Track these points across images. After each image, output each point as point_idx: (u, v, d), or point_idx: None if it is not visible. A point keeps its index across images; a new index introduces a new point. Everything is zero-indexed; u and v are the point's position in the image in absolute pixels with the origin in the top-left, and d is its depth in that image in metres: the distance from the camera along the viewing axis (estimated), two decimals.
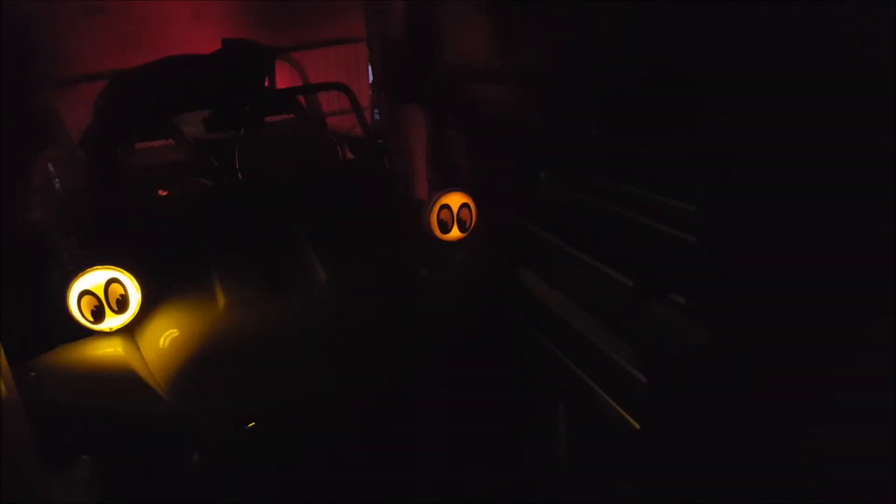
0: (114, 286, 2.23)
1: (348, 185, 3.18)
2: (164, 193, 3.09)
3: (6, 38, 3.79)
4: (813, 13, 1.35)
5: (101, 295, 2.21)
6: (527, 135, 2.42)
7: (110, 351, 2.19)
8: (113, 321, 2.24)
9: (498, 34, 2.81)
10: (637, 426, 1.69)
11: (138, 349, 2.22)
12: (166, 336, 2.25)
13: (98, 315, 2.21)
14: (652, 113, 1.71)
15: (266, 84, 3.69)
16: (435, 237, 2.69)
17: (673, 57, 1.65)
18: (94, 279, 2.21)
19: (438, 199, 2.67)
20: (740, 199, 1.50)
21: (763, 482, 1.64)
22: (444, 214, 2.68)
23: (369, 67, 4.89)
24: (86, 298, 2.19)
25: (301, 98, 3.89)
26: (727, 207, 1.49)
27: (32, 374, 2.04)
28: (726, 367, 1.58)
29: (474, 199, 2.73)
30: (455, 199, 2.69)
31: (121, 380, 2.12)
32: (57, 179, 3.58)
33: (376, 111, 4.83)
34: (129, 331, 2.27)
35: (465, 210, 2.70)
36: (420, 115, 3.90)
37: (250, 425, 2.08)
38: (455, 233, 2.71)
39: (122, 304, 2.24)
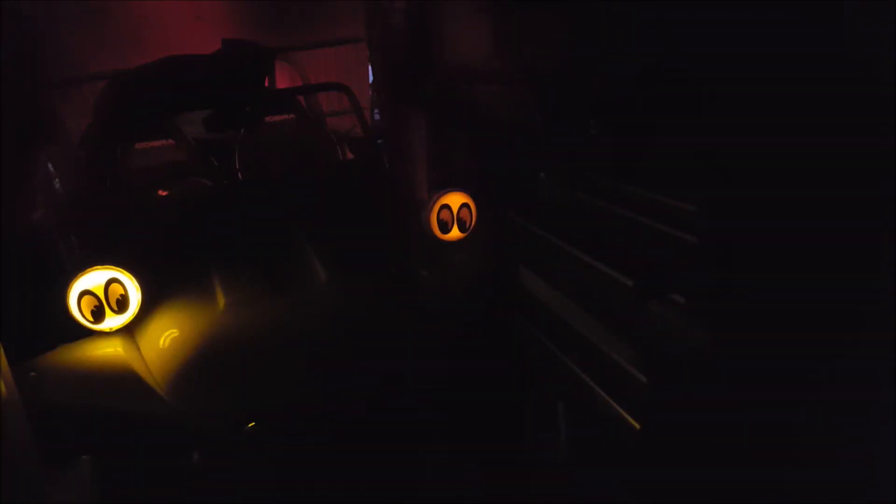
0: (114, 286, 2.23)
1: (348, 186, 3.18)
2: (164, 193, 3.09)
3: (6, 38, 3.79)
4: (811, 13, 1.35)
5: (101, 295, 2.21)
6: (527, 135, 2.41)
7: (110, 351, 2.19)
8: (113, 321, 2.24)
9: (498, 34, 2.81)
10: (637, 426, 1.68)
11: (138, 349, 2.22)
12: (166, 336, 2.25)
13: (98, 315, 2.21)
14: (652, 113, 1.71)
15: (266, 84, 3.69)
16: (435, 237, 2.69)
17: (672, 57, 1.65)
18: (94, 279, 2.21)
19: (438, 199, 2.67)
20: (740, 199, 1.50)
21: (763, 482, 1.64)
22: (444, 214, 2.68)
23: (369, 67, 4.89)
24: (86, 298, 2.19)
25: (301, 98, 3.89)
26: (727, 207, 1.49)
27: (32, 374, 2.04)
28: (726, 367, 1.58)
29: (474, 199, 2.73)
30: (455, 199, 2.69)
31: (121, 380, 2.12)
32: (57, 179, 3.58)
33: (376, 111, 4.83)
34: (129, 331, 2.27)
35: (465, 210, 2.70)
36: (420, 115, 3.90)
37: (250, 425, 2.08)
38: (455, 233, 2.70)
39: (122, 304, 2.24)
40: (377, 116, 4.80)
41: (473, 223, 2.72)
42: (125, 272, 2.26)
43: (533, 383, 2.48)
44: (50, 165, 3.65)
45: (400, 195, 3.54)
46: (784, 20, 1.39)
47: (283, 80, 4.70)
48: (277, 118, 3.92)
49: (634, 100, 1.82)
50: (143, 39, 4.75)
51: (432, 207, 2.66)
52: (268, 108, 3.62)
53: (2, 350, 1.42)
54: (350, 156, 3.55)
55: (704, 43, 1.54)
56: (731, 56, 1.48)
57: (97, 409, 2.07)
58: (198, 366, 2.15)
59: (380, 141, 3.50)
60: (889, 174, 1.31)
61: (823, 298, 1.51)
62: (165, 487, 2.07)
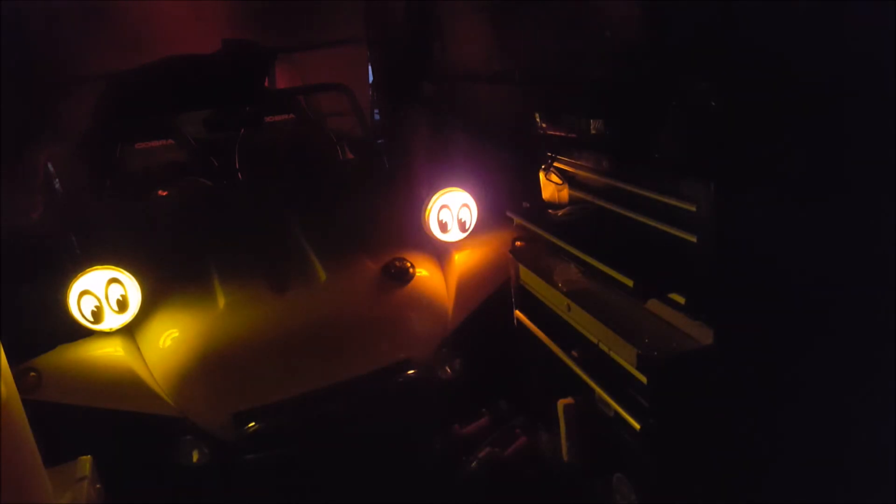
0: (114, 286, 2.23)
1: (348, 185, 3.18)
2: (164, 193, 3.09)
3: (6, 38, 3.79)
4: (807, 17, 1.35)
5: (101, 295, 2.21)
6: (527, 134, 2.42)
7: (110, 351, 2.19)
8: (113, 321, 2.24)
9: (498, 33, 2.81)
10: (637, 426, 1.69)
11: (138, 349, 2.22)
12: (166, 336, 2.25)
13: (98, 315, 2.21)
14: (653, 113, 1.71)
15: (266, 84, 3.69)
16: (435, 237, 2.69)
17: (672, 56, 1.65)
18: (94, 279, 2.21)
19: (438, 198, 2.67)
20: (740, 199, 1.50)
21: (762, 482, 1.64)
22: (444, 214, 2.68)
23: (369, 67, 4.89)
24: (86, 298, 2.19)
25: (301, 98, 3.89)
26: (727, 207, 1.49)
27: (32, 374, 2.04)
28: (726, 367, 1.58)
29: (474, 199, 2.73)
30: (455, 199, 2.69)
31: (121, 380, 2.12)
32: (57, 179, 3.58)
33: (376, 111, 4.83)
34: (129, 331, 2.27)
35: (465, 210, 2.70)
36: (420, 115, 3.90)
37: (250, 425, 2.08)
38: (455, 233, 2.70)
39: (122, 304, 2.24)
40: (377, 116, 4.79)
41: (473, 223, 2.72)
42: (125, 272, 2.26)
43: (533, 384, 2.48)
44: (50, 165, 3.65)
45: (399, 195, 3.54)
46: (781, 21, 1.40)
47: (283, 80, 4.70)
48: (277, 118, 3.92)
49: (636, 100, 1.82)
50: (143, 40, 4.74)
51: (431, 207, 2.66)
52: (268, 108, 3.63)
53: (2, 350, 1.42)
54: (350, 156, 3.55)
55: (701, 42, 1.54)
56: (728, 56, 1.48)
57: (97, 409, 2.07)
58: (198, 366, 2.15)
59: (380, 141, 3.50)
60: (889, 174, 1.31)
61: (823, 298, 1.51)
62: (165, 487, 2.07)
